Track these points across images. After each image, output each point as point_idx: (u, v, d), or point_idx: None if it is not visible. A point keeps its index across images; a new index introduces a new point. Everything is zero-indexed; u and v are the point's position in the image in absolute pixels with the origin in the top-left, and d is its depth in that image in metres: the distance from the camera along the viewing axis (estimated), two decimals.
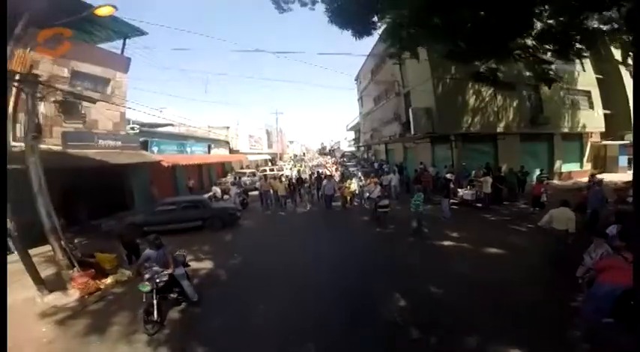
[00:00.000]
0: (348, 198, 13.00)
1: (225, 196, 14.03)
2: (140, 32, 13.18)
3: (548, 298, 4.73)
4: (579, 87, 17.19)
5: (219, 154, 24.11)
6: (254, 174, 21.11)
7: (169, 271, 4.54)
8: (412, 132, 14.91)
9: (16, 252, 5.50)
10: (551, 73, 7.67)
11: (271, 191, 13.77)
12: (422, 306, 4.82)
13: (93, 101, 8.40)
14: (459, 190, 12.20)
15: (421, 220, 8.44)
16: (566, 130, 16.69)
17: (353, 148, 47.36)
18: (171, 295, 4.72)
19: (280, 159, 46.31)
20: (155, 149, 14.95)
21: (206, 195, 13.07)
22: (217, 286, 5.98)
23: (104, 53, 13.30)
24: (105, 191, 11.40)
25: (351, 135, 44.42)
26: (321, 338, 4.06)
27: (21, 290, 5.87)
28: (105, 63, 13.02)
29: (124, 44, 13.76)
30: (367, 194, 11.65)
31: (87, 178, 10.42)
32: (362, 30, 5.88)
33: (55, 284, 5.91)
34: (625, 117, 16.26)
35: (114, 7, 5.78)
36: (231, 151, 27.14)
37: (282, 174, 19.63)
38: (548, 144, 16.79)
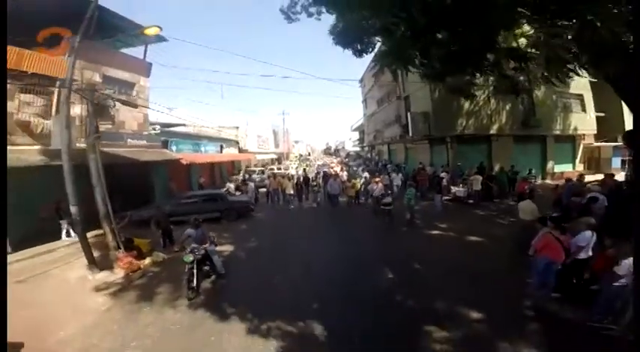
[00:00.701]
0: (353, 196, 13.54)
1: (237, 192, 15.21)
2: (161, 39, 14.48)
3: (506, 273, 5.84)
4: (572, 90, 17.95)
5: (230, 153, 25.43)
6: (263, 173, 22.34)
7: (206, 246, 5.73)
8: (410, 134, 16.00)
9: (73, 236, 6.72)
10: (519, 84, 8.62)
11: (279, 189, 14.73)
12: (403, 274, 6.03)
13: (135, 106, 9.51)
14: (453, 188, 13.27)
15: (413, 213, 9.56)
16: (558, 132, 17.58)
17: (357, 148, 48.43)
18: (205, 267, 5.89)
19: (286, 158, 47.57)
20: (174, 148, 16.28)
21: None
22: (239, 263, 7.18)
23: (130, 59, 14.64)
24: (132, 185, 12.63)
25: (356, 135, 45.49)
26: (325, 297, 5.24)
27: (73, 270, 7.13)
28: (131, 68, 14.34)
29: (145, 50, 15.13)
30: (371, 192, 12.30)
31: (119, 173, 11.69)
32: (361, 50, 6.99)
33: (104, 263, 7.13)
34: (618, 119, 17.12)
35: (159, 27, 6.96)
36: (241, 150, 28.42)
37: (289, 173, 20.73)
38: (541, 145, 17.70)
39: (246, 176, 19.40)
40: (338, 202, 13.39)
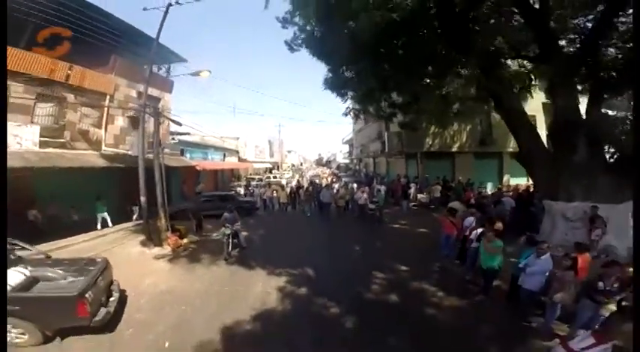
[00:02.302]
0: (343, 206, 14.32)
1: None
2: (181, 59, 17.30)
3: (433, 248, 8.75)
4: (530, 112, 21.32)
5: (232, 162, 28.25)
6: (261, 180, 25.16)
7: (238, 224, 8.61)
8: (387, 150, 19.20)
9: (137, 220, 9.39)
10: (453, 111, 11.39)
11: (275, 196, 16.33)
12: (365, 247, 9.06)
13: (179, 124, 12.23)
14: (419, 195, 16.39)
15: (382, 212, 12.58)
16: (512, 150, 20.95)
17: (347, 160, 51.66)
18: (234, 240, 8.73)
19: (279, 167, 50.46)
20: (188, 156, 19.07)
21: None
22: (254, 242, 10.01)
23: (158, 77, 17.40)
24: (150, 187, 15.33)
25: (346, 148, 48.77)
26: (312, 259, 8.17)
27: (130, 247, 9.82)
28: (158, 85, 17.12)
29: (168, 68, 18.00)
30: (357, 200, 13.72)
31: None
32: (342, 95, 10.08)
33: (154, 242, 9.82)
34: None
35: (209, 71, 9.91)
36: (240, 159, 31.26)
37: (284, 183, 23.38)
38: (498, 161, 21.02)
39: (250, 183, 22.24)
40: (329, 210, 14.46)
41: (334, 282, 6.74)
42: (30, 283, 4.61)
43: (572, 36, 9.35)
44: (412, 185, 16.94)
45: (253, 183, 23.43)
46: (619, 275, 3.96)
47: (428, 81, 8.49)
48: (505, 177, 21.21)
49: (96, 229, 11.49)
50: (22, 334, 4.29)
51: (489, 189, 17.56)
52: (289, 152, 78.42)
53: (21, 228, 7.54)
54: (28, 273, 4.76)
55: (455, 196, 16.34)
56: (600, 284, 3.95)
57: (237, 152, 31.13)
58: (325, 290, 6.26)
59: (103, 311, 4.76)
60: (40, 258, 5.52)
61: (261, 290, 6.47)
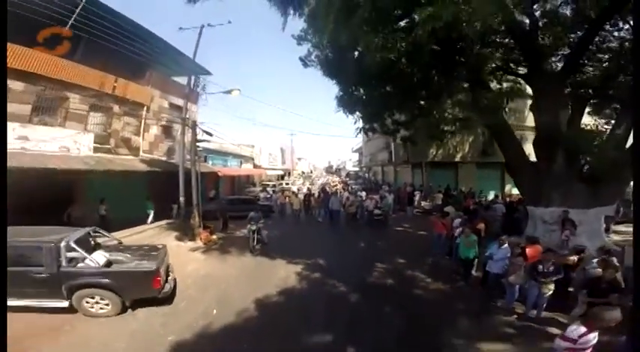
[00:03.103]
0: (353, 213, 14.59)
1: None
2: (206, 72, 18.86)
3: (429, 246, 10.04)
4: (527, 123, 22.22)
5: (248, 168, 30.00)
6: (275, 186, 26.75)
7: (262, 222, 10.09)
8: (394, 160, 20.55)
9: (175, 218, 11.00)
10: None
11: (287, 202, 16.99)
12: (370, 245, 10.41)
13: (210, 134, 13.82)
14: (422, 202, 17.64)
15: (387, 217, 13.89)
16: None
17: (357, 168, 53.03)
18: (258, 236, 10.19)
19: (290, 174, 52.18)
20: (210, 162, 20.80)
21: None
22: (274, 238, 11.39)
23: (184, 88, 19.06)
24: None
25: (356, 156, 50.21)
26: (327, 252, 9.57)
27: (170, 240, 11.35)
28: (185, 96, 18.84)
29: (195, 80, 19.69)
30: (366, 207, 14.49)
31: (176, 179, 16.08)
32: (351, 112, 11.53)
33: (189, 237, 11.36)
34: None
35: (239, 90, 11.55)
36: (255, 166, 33.00)
37: (296, 190, 24.66)
38: (500, 171, 22.01)
39: (265, 188, 23.89)
40: (339, 217, 14.83)
41: (342, 270, 8.12)
42: (110, 263, 6.01)
43: (562, 52, 10.56)
44: (417, 193, 18.20)
45: (268, 188, 25.01)
46: (554, 260, 5.25)
47: (422, 103, 9.90)
48: (507, 187, 22.20)
49: (142, 224, 13.04)
50: (107, 305, 5.45)
51: (491, 197, 18.66)
52: (299, 160, 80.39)
53: (93, 220, 9.23)
54: (108, 255, 6.12)
55: (456, 204, 17.58)
56: (540, 267, 5.23)
57: (253, 159, 32.90)
58: (334, 275, 7.67)
59: (167, 286, 6.11)
60: (115, 243, 6.97)
61: (282, 274, 7.91)
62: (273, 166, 41.41)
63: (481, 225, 7.81)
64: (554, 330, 4.84)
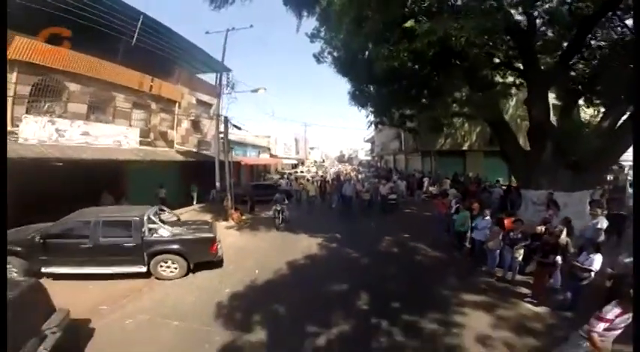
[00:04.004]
0: (367, 199, 15.26)
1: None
2: (227, 69, 20.31)
3: (431, 224, 11.48)
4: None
5: (265, 158, 31.76)
6: (290, 174, 28.44)
7: (285, 203, 11.71)
8: (404, 148, 21.79)
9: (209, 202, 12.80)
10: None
11: (304, 190, 17.93)
12: (379, 224, 11.90)
13: (239, 127, 15.44)
14: (430, 188, 18.93)
15: (398, 202, 15.30)
16: None
17: (369, 157, 54.19)
18: (282, 215, 11.81)
19: (303, 164, 53.80)
20: (233, 152, 22.52)
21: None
22: (294, 218, 13.05)
23: (210, 85, 20.71)
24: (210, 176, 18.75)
25: (368, 145, 51.29)
26: (339, 229, 11.15)
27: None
28: (210, 92, 20.42)
29: (216, 77, 21.16)
30: (380, 192, 15.14)
31: (205, 169, 17.84)
32: (362, 105, 12.86)
33: (222, 217, 13.10)
34: None
35: (265, 89, 13.07)
36: (271, 155, 34.73)
37: (312, 177, 26.14)
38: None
39: (283, 175, 25.64)
40: (351, 203, 15.29)
41: (355, 241, 9.74)
42: (172, 234, 7.63)
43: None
44: (425, 179, 19.48)
45: (285, 176, 26.68)
46: (522, 229, 6.65)
47: (424, 100, 11.20)
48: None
49: (185, 206, 14.93)
50: (176, 268, 6.90)
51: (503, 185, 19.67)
52: (312, 149, 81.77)
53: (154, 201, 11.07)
54: (172, 228, 7.75)
55: (461, 188, 18.81)
56: (512, 234, 6.64)
57: (269, 149, 34.61)
58: (349, 245, 9.31)
59: (220, 252, 7.79)
60: (175, 219, 8.61)
61: (305, 244, 9.60)
62: (288, 156, 43.08)
63: (475, 205, 9.12)
64: (523, 290, 6.30)
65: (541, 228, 6.84)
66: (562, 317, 5.31)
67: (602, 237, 6.91)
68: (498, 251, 7.02)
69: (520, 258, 6.74)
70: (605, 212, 8.45)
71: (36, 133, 9.83)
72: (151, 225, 7.01)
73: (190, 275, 7.27)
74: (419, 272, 7.50)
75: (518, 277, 6.84)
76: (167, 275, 7.03)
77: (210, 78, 21.44)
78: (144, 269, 6.86)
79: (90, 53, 12.07)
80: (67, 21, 10.76)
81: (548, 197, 9.75)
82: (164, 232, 7.11)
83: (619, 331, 3.42)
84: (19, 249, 6.45)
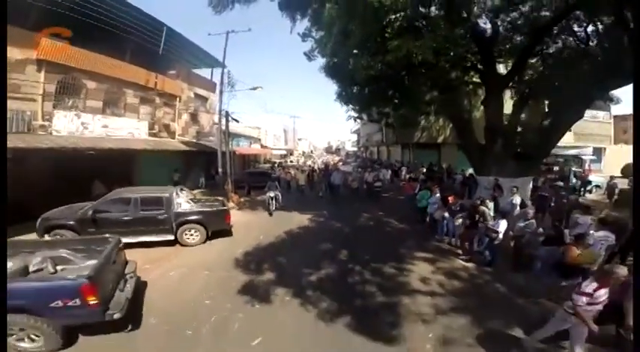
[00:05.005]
0: (355, 188, 16.90)
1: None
2: (221, 64, 21.75)
3: (405, 207, 13.70)
4: (506, 111, 25.68)
5: (256, 148, 33.42)
6: (281, 164, 30.29)
7: (278, 190, 13.63)
8: (384, 141, 23.97)
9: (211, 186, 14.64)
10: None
11: (293, 178, 18.82)
12: (363, 205, 14.06)
13: (237, 121, 17.21)
14: (407, 175, 21.20)
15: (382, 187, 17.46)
16: None
17: (355, 148, 56.38)
18: (275, 203, 13.73)
19: (291, 154, 55.60)
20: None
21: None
22: (286, 202, 15.04)
23: (205, 80, 22.30)
24: (208, 164, 20.37)
25: (354, 137, 53.40)
26: (329, 209, 13.25)
27: None
28: (206, 87, 22.05)
29: (211, 72, 22.73)
30: (365, 179, 17.06)
31: (204, 157, 19.53)
32: (346, 103, 14.84)
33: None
34: None
35: (262, 87, 14.86)
36: (262, 146, 36.36)
37: (301, 166, 28.26)
38: None
39: (274, 165, 27.52)
40: (339, 191, 16.53)
41: (339, 217, 11.93)
42: (194, 207, 9.52)
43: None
44: (403, 168, 21.75)
45: (276, 164, 28.54)
46: (460, 202, 8.85)
47: (397, 101, 13.28)
48: None
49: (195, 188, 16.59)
50: (197, 235, 8.69)
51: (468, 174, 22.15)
52: (299, 140, 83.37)
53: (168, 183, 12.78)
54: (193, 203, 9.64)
55: (433, 176, 21.17)
56: (452, 207, 8.84)
57: (259, 140, 36.21)
58: (334, 219, 11.52)
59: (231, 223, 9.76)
60: (191, 197, 10.37)
61: (298, 219, 11.72)
62: (277, 146, 44.76)
63: (434, 187, 11.33)
64: (460, 251, 8.33)
65: (477, 202, 9.07)
66: (481, 269, 7.36)
67: (517, 210, 9.11)
68: (445, 221, 9.23)
69: (459, 225, 8.91)
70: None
71: (65, 126, 11.37)
72: (178, 200, 8.85)
73: (207, 242, 9.11)
74: (386, 238, 9.69)
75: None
76: (190, 241, 8.82)
77: (205, 73, 23.02)
78: (172, 237, 8.63)
79: (101, 52, 13.42)
80: (78, 21, 11.80)
81: (494, 182, 12.04)
82: (187, 206, 8.98)
83: (600, 306, 3.61)
84: (71, 222, 8.00)
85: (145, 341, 4.61)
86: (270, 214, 12.56)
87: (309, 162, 36.43)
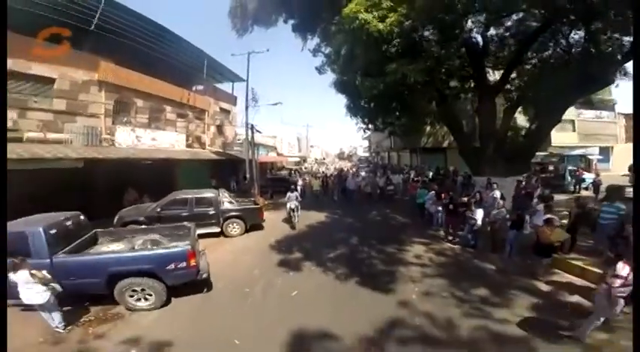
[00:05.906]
0: (368, 192, 18.05)
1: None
2: (241, 79, 24.25)
3: (408, 203, 15.54)
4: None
5: (273, 156, 35.83)
6: (298, 171, 32.51)
7: (298, 201, 15.67)
8: (393, 146, 25.85)
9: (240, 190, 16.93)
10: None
11: (308, 184, 20.52)
12: (373, 206, 16.02)
13: (260, 132, 19.57)
14: (416, 179, 22.98)
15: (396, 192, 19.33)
16: None
17: (367, 154, 58.18)
18: (296, 214, 15.72)
19: (305, 161, 57.85)
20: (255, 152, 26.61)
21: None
22: (304, 205, 17.10)
23: (227, 94, 24.81)
24: (232, 172, 22.78)
25: (366, 143, 55.28)
26: (342, 209, 15.30)
27: None
28: (228, 100, 24.53)
29: (232, 86, 25.25)
30: (377, 183, 18.27)
31: (230, 165, 21.90)
32: (354, 114, 16.89)
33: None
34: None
35: (281, 103, 17.18)
36: (278, 154, 38.76)
37: (316, 173, 30.18)
38: None
39: (292, 172, 29.77)
40: (353, 196, 18.06)
41: (352, 215, 13.94)
42: (235, 205, 11.73)
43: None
44: (412, 172, 23.54)
45: (293, 171, 30.75)
46: (450, 196, 10.68)
47: (398, 113, 15.26)
48: None
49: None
50: (239, 228, 11.06)
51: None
52: (312, 147, 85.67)
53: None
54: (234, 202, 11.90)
55: (438, 179, 22.87)
56: (443, 200, 10.70)
57: (275, 148, 38.64)
58: (347, 216, 13.54)
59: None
60: (230, 197, 12.60)
61: (316, 217, 13.79)
62: (292, 154, 47.17)
63: (435, 187, 13.18)
64: (450, 238, 10.18)
65: (465, 198, 10.90)
66: (465, 250, 9.14)
67: (500, 201, 10.81)
68: (439, 214, 11.10)
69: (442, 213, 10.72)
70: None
71: (125, 140, 13.86)
72: (223, 199, 11.09)
73: (245, 234, 11.31)
74: (391, 229, 11.64)
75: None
76: (233, 233, 11.03)
77: (226, 87, 25.56)
78: (219, 229, 10.85)
79: (143, 72, 15.67)
80: (121, 44, 14.13)
81: (487, 181, 13.79)
82: (229, 205, 11.21)
83: (630, 287, 3.87)
84: (142, 218, 10.19)
85: (218, 297, 6.66)
86: (293, 227, 12.25)
87: (322, 169, 38.46)
